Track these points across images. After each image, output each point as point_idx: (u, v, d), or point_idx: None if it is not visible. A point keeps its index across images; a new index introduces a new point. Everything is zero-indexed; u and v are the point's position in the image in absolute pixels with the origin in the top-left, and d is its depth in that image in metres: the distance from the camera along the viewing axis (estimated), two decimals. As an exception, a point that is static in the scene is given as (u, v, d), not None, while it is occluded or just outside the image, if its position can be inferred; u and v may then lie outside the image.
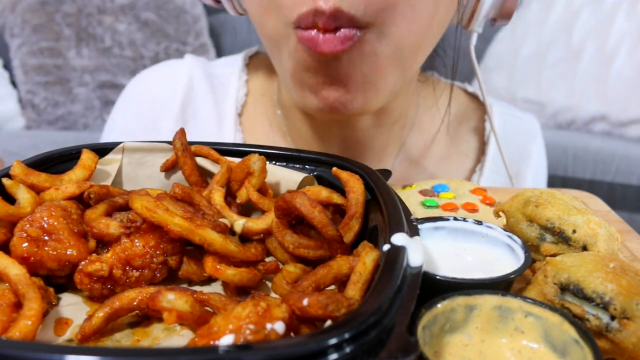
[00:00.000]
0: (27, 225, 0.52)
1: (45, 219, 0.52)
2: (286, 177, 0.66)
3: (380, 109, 0.86)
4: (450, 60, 0.94)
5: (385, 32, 0.67)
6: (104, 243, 0.55)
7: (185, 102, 1.01)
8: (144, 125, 1.02)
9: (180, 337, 0.48)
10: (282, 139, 0.97)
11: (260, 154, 0.64)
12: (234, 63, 1.05)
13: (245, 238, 0.59)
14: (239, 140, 0.98)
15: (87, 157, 0.64)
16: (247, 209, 0.65)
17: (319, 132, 0.92)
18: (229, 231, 0.57)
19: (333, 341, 0.36)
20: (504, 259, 0.55)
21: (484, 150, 1.01)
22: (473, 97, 1.07)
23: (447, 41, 0.92)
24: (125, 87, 1.09)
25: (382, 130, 0.92)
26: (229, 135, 0.98)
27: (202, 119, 1.01)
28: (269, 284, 0.56)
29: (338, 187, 0.61)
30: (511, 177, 0.97)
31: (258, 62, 1.05)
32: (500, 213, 0.64)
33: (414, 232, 0.51)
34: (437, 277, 0.50)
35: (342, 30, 0.65)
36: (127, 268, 0.53)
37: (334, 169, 0.61)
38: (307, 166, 0.67)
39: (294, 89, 0.75)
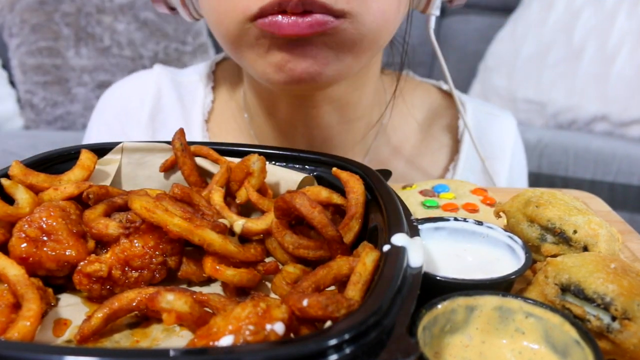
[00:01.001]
0: (26, 226, 0.52)
1: (44, 219, 0.52)
2: (286, 177, 0.65)
3: (344, 104, 0.87)
4: (420, 56, 0.95)
5: (362, 20, 0.66)
6: (103, 243, 0.55)
7: (153, 112, 1.03)
8: (116, 137, 1.02)
9: (180, 338, 0.48)
10: (249, 142, 0.97)
11: (260, 154, 0.64)
12: (201, 71, 1.06)
13: (244, 238, 0.59)
14: None
15: (86, 157, 0.63)
16: (246, 210, 0.65)
17: (285, 132, 0.92)
18: (228, 231, 0.56)
19: (333, 342, 0.35)
20: (504, 260, 0.55)
21: (457, 148, 1.01)
22: (447, 94, 1.06)
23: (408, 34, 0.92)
24: (98, 102, 1.11)
25: (349, 128, 0.92)
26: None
27: (171, 127, 1.01)
28: (269, 285, 0.56)
29: (338, 188, 0.61)
30: (491, 175, 0.97)
31: (224, 69, 1.06)
32: (501, 213, 0.64)
33: (414, 232, 0.50)
34: (438, 278, 0.49)
35: (314, 15, 0.63)
36: (126, 269, 0.52)
37: (334, 169, 0.61)
38: (306, 166, 0.67)
39: (258, 75, 0.73)
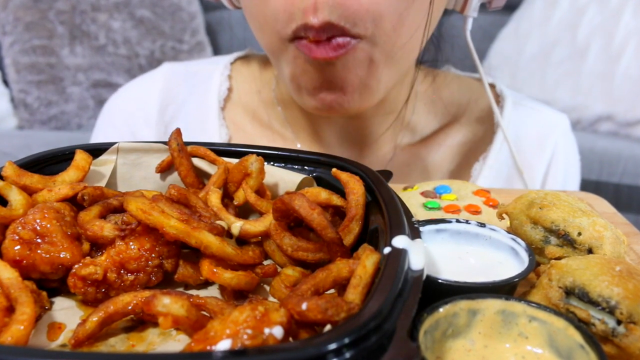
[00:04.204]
0: (20, 228, 0.51)
1: (38, 221, 0.52)
2: (285, 178, 0.65)
3: (381, 99, 0.88)
4: (458, 52, 0.96)
5: (377, 41, 0.71)
6: (98, 246, 0.54)
7: (163, 105, 1.04)
8: (125, 139, 1.03)
9: (176, 342, 0.48)
10: (279, 133, 0.99)
11: (258, 154, 0.63)
12: (219, 61, 1.07)
13: (242, 241, 0.59)
14: (223, 135, 0.99)
15: (80, 157, 0.63)
16: (244, 211, 0.65)
17: (319, 122, 0.95)
18: (226, 234, 0.56)
19: (332, 346, 0.35)
20: (507, 262, 0.55)
21: (491, 139, 1.00)
22: (489, 86, 1.05)
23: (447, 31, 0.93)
24: (104, 106, 1.11)
25: (381, 120, 0.94)
26: (213, 129, 0.99)
27: (184, 117, 1.03)
28: (267, 288, 0.55)
29: (338, 189, 0.60)
30: (520, 167, 0.96)
31: (249, 61, 1.07)
32: (504, 215, 0.63)
33: (415, 234, 0.50)
34: (439, 281, 0.49)
35: (336, 39, 0.69)
36: (122, 271, 0.52)
37: (334, 169, 0.60)
38: (306, 167, 0.66)
39: (293, 92, 0.80)
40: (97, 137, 1.08)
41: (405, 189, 0.75)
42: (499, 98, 1.04)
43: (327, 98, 0.76)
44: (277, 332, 0.39)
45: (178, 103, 1.04)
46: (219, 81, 1.03)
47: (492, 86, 1.06)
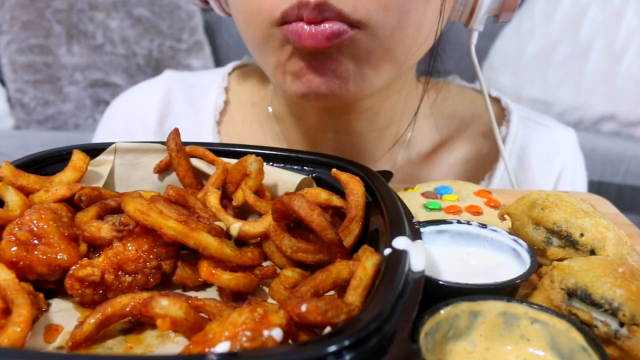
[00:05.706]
0: (16, 229, 0.51)
1: (35, 222, 0.51)
2: (284, 179, 0.64)
3: (375, 113, 0.86)
4: (463, 63, 0.93)
5: (378, 34, 0.66)
6: (95, 247, 0.54)
7: (162, 115, 1.03)
8: None
9: (175, 345, 0.47)
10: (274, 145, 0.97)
11: (257, 155, 0.63)
12: (218, 72, 1.06)
13: (241, 242, 0.58)
14: None
15: (77, 158, 0.62)
16: (243, 212, 0.64)
17: (314, 137, 0.92)
18: (224, 235, 0.55)
19: (332, 348, 0.35)
20: (509, 264, 0.54)
21: (497, 157, 0.98)
22: (495, 101, 1.03)
23: (450, 41, 0.90)
24: (105, 112, 1.11)
25: (379, 135, 0.91)
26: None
27: (180, 129, 1.01)
28: (266, 290, 0.55)
29: (337, 189, 0.60)
30: (513, 185, 0.95)
31: (246, 72, 1.06)
32: (506, 216, 0.63)
33: (416, 235, 0.50)
34: (440, 282, 0.48)
35: (329, 25, 0.64)
36: (120, 273, 0.51)
37: (334, 170, 0.60)
38: (305, 167, 0.66)
39: (276, 80, 0.73)
40: (97, 140, 1.07)
41: (406, 189, 0.75)
42: (504, 112, 1.01)
43: (316, 80, 0.68)
44: (276, 334, 0.38)
45: (175, 115, 1.03)
46: (216, 94, 1.01)
47: (497, 100, 1.02)
